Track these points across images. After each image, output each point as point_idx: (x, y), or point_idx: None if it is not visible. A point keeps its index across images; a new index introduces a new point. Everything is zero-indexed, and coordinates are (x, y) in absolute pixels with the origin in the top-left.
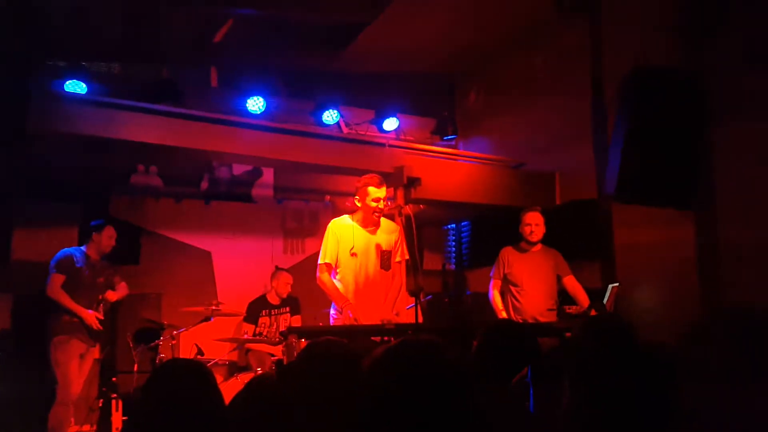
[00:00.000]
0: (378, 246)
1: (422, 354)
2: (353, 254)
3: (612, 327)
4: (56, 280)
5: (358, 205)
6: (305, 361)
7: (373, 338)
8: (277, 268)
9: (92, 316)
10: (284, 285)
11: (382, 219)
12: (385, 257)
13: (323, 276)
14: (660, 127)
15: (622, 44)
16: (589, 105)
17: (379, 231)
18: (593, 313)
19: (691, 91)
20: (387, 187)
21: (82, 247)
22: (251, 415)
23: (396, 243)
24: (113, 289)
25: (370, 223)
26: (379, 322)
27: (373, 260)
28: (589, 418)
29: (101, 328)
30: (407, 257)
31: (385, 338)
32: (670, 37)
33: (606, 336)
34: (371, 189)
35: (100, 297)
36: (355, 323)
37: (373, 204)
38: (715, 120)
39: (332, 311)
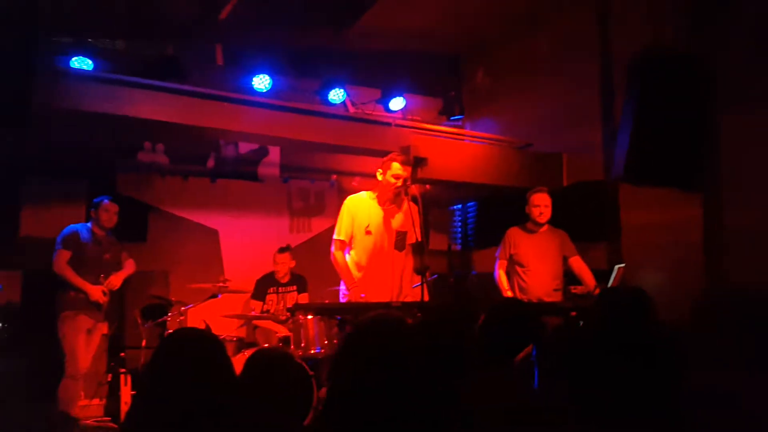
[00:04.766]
0: (394, 225)
1: (387, 331)
2: (368, 232)
3: (632, 299)
4: (62, 256)
5: (379, 178)
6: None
7: None
8: (279, 250)
9: (98, 291)
10: (281, 265)
11: (399, 198)
12: (399, 237)
13: (337, 253)
14: (669, 109)
15: (631, 25)
16: (597, 86)
17: (395, 210)
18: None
19: (700, 73)
20: None
21: (88, 224)
22: (261, 386)
23: (411, 223)
24: (120, 265)
25: (387, 200)
26: (390, 300)
27: (387, 240)
28: (585, 398)
29: (106, 299)
30: (417, 240)
31: None
32: (679, 19)
33: (626, 307)
34: (395, 165)
35: (102, 277)
36: (361, 299)
37: (392, 180)
38: (724, 102)
39: (342, 288)
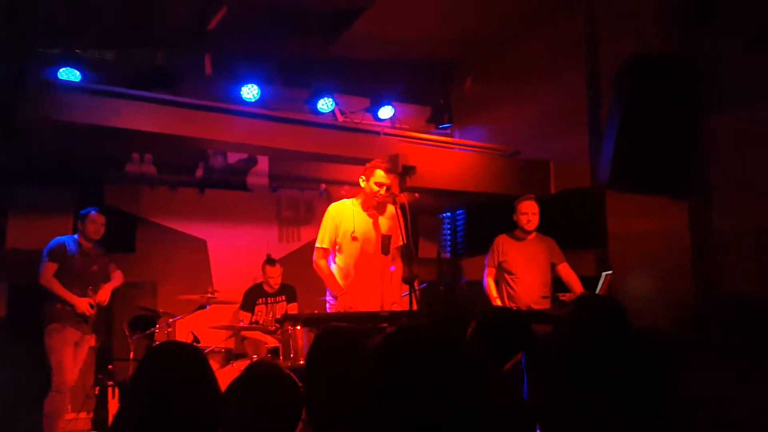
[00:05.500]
0: (378, 230)
1: (420, 340)
2: (354, 238)
3: (604, 307)
4: (48, 269)
5: (362, 185)
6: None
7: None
8: (266, 262)
9: (85, 304)
10: (275, 278)
11: (383, 204)
12: (385, 242)
13: (320, 262)
14: (655, 114)
15: (619, 32)
16: (585, 94)
17: (379, 215)
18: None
19: (687, 78)
20: None
21: (75, 236)
22: (250, 399)
23: (395, 228)
24: (108, 277)
25: (370, 206)
26: (377, 307)
27: (373, 244)
28: (581, 402)
29: (93, 312)
30: (403, 243)
31: (380, 325)
32: (666, 25)
33: (598, 315)
34: (378, 172)
35: (91, 290)
36: (350, 310)
37: (375, 188)
38: (711, 107)
39: (329, 298)
